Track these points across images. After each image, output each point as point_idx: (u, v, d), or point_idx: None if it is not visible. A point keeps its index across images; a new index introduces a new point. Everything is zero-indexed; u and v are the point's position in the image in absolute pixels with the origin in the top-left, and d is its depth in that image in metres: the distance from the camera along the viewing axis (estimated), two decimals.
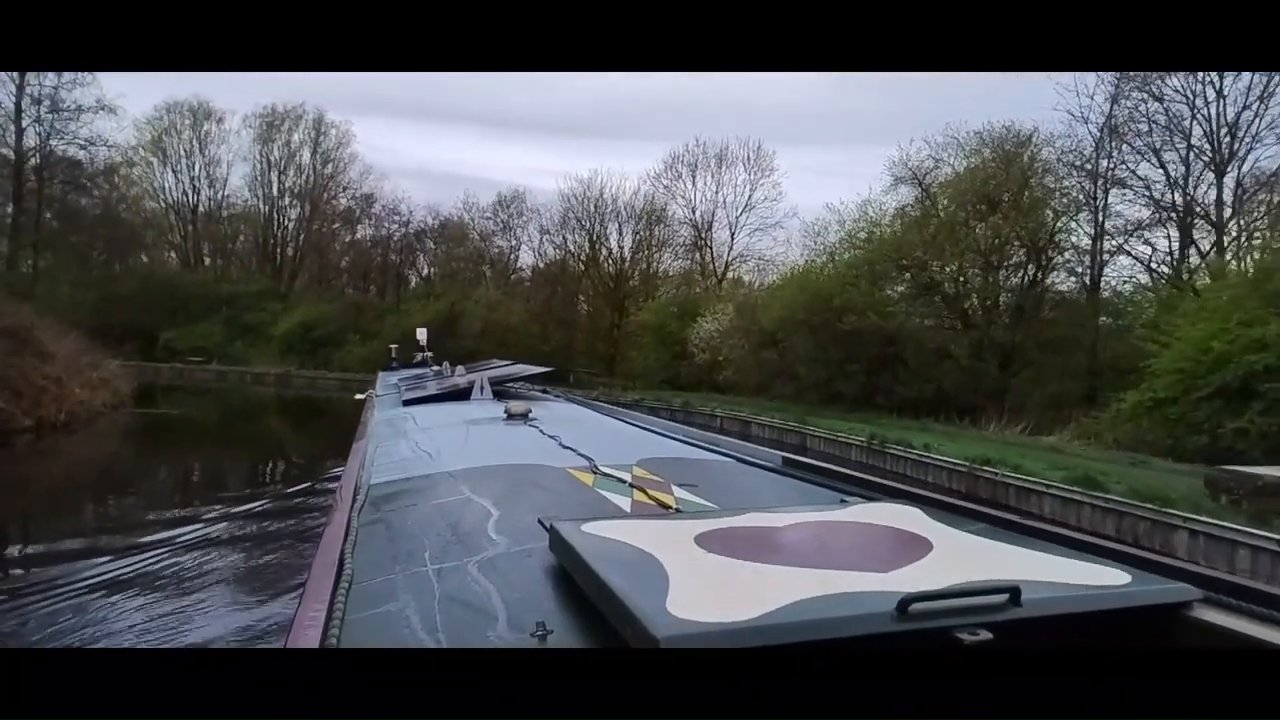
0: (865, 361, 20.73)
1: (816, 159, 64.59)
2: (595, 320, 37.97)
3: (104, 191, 37.57)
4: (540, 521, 2.14)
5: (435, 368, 11.01)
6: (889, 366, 20.94)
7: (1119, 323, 22.73)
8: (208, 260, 47.19)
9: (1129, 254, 22.48)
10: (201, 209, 46.56)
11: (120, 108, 33.69)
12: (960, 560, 1.75)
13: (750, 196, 37.41)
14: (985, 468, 11.39)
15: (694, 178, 38.02)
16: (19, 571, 7.78)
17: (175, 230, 46.92)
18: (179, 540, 8.36)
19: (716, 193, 37.85)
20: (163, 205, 46.11)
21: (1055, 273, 22.80)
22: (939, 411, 19.73)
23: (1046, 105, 32.93)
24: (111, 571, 7.19)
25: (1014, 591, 1.46)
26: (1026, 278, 22.49)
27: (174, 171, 45.55)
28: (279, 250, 46.40)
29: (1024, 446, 15.08)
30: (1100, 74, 21.12)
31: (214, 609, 6.43)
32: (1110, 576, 1.66)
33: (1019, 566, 1.68)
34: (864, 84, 50.20)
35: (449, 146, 68.05)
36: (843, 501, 2.53)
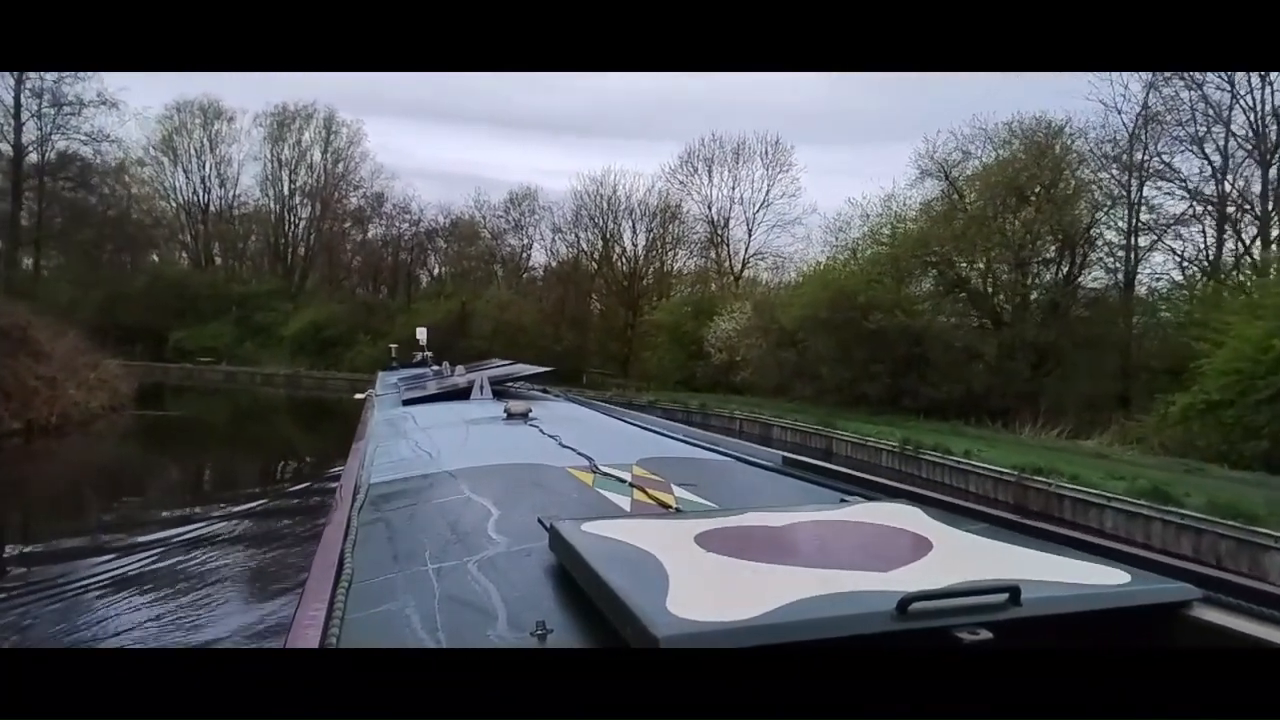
0: (891, 362, 19.85)
1: (819, 158, 63.82)
2: (609, 320, 37.18)
3: (111, 189, 37.06)
4: (540, 521, 2.12)
5: (435, 367, 10.75)
6: (915, 367, 20.06)
7: (1154, 320, 21.77)
8: (218, 260, 46.81)
9: (1171, 250, 21.45)
10: (212, 208, 46.27)
11: (122, 102, 33.02)
12: (960, 560, 1.74)
13: (768, 192, 36.58)
14: (1036, 477, 10.48)
15: (710, 173, 37.23)
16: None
17: (186, 230, 46.61)
18: (159, 547, 7.96)
19: (733, 189, 37.04)
20: (173, 205, 45.87)
21: (1089, 269, 21.81)
22: (968, 414, 18.86)
23: (1051, 102, 31.65)
24: (88, 578, 6.93)
25: (1014, 591, 1.45)
26: (1060, 273, 21.51)
27: (184, 171, 45.29)
28: (290, 250, 45.98)
29: (1065, 452, 14.21)
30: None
31: (187, 623, 6.11)
32: (1110, 576, 1.66)
33: (1019, 566, 1.67)
34: (865, 83, 49.54)
35: (458, 146, 68.08)
36: (843, 501, 2.52)
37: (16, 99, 30.33)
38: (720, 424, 20.46)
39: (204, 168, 45.36)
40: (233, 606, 6.47)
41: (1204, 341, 14.31)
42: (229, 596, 6.73)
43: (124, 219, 37.96)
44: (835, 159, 62.40)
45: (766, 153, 36.48)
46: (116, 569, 7.20)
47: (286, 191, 45.52)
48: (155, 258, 44.74)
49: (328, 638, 1.45)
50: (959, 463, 12.37)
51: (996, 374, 20.17)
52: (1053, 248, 21.53)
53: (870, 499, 2.58)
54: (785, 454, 3.69)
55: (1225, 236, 21.08)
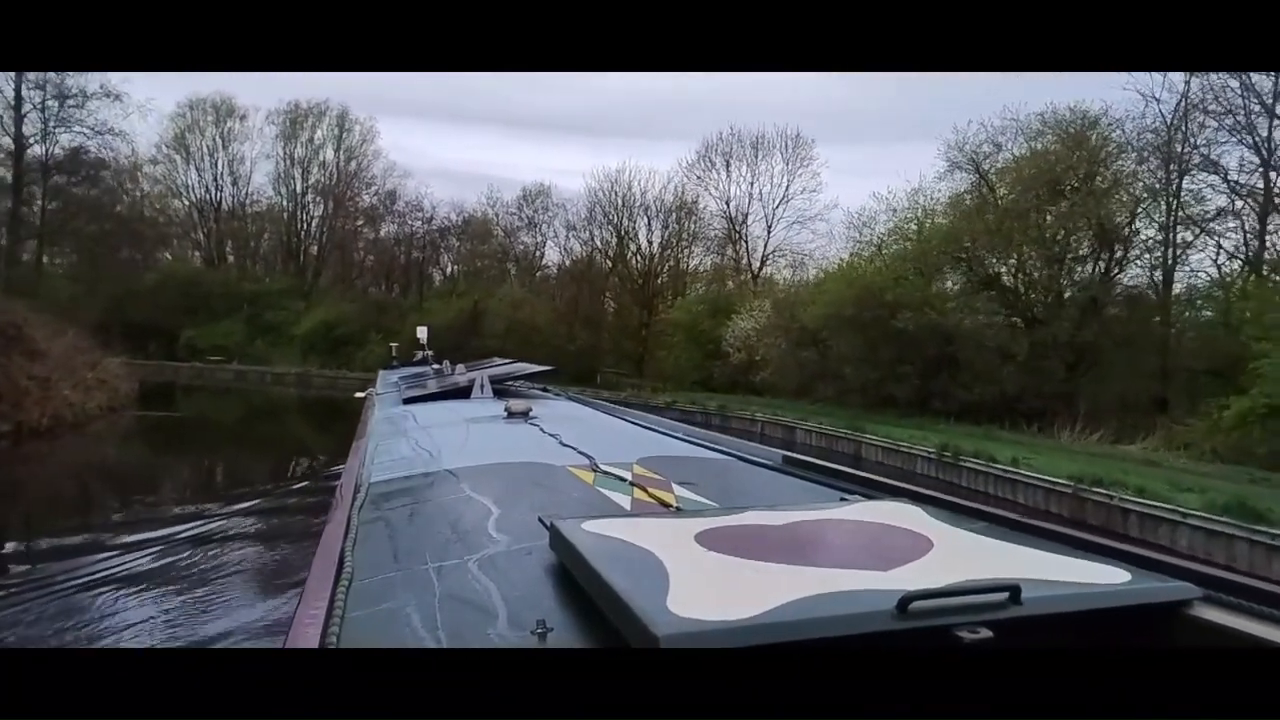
0: (920, 362, 18.95)
1: (826, 156, 62.73)
2: (623, 318, 36.42)
3: (119, 183, 36.46)
4: (540, 520, 2.10)
5: (435, 366, 10.45)
6: (945, 368, 19.15)
7: (1197, 317, 20.73)
8: (230, 258, 46.47)
9: (1218, 245, 20.36)
10: (224, 206, 45.92)
11: (125, 94, 32.01)
12: (960, 559, 1.73)
13: (788, 188, 35.65)
14: (1096, 489, 9.56)
15: (728, 168, 36.36)
16: None
17: (198, 228, 46.33)
18: (138, 552, 7.53)
19: (752, 184, 36.15)
20: (185, 203, 45.55)
21: (1128, 265, 20.77)
22: (1001, 417, 17.97)
23: (1070, 95, 29.75)
24: (55, 584, 6.65)
25: (1014, 590, 1.44)
26: (1098, 270, 20.51)
27: (197, 169, 44.98)
28: (302, 248, 45.59)
29: (1111, 458, 13.31)
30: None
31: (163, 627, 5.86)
32: (1110, 575, 1.64)
33: (1019, 565, 1.67)
34: (866, 83, 48.74)
35: (466, 146, 67.63)
36: (843, 500, 2.51)
37: (17, 91, 29.74)
38: (741, 427, 19.67)
39: (216, 165, 45.10)
40: (209, 617, 6.14)
41: (1265, 341, 13.36)
42: (208, 606, 6.37)
43: (134, 215, 37.48)
44: (842, 158, 62.00)
45: (786, 147, 35.64)
46: (89, 576, 6.86)
47: (299, 189, 45.17)
48: (168, 256, 44.44)
49: (328, 637, 1.44)
50: (1005, 471, 11.42)
51: (1030, 375, 19.24)
52: (1086, 243, 20.59)
53: (870, 498, 2.57)
54: (785, 453, 3.65)
55: (1269, 230, 20.05)
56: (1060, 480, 10.32)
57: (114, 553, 7.58)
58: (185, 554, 7.62)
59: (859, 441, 15.69)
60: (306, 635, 1.43)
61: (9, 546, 8.65)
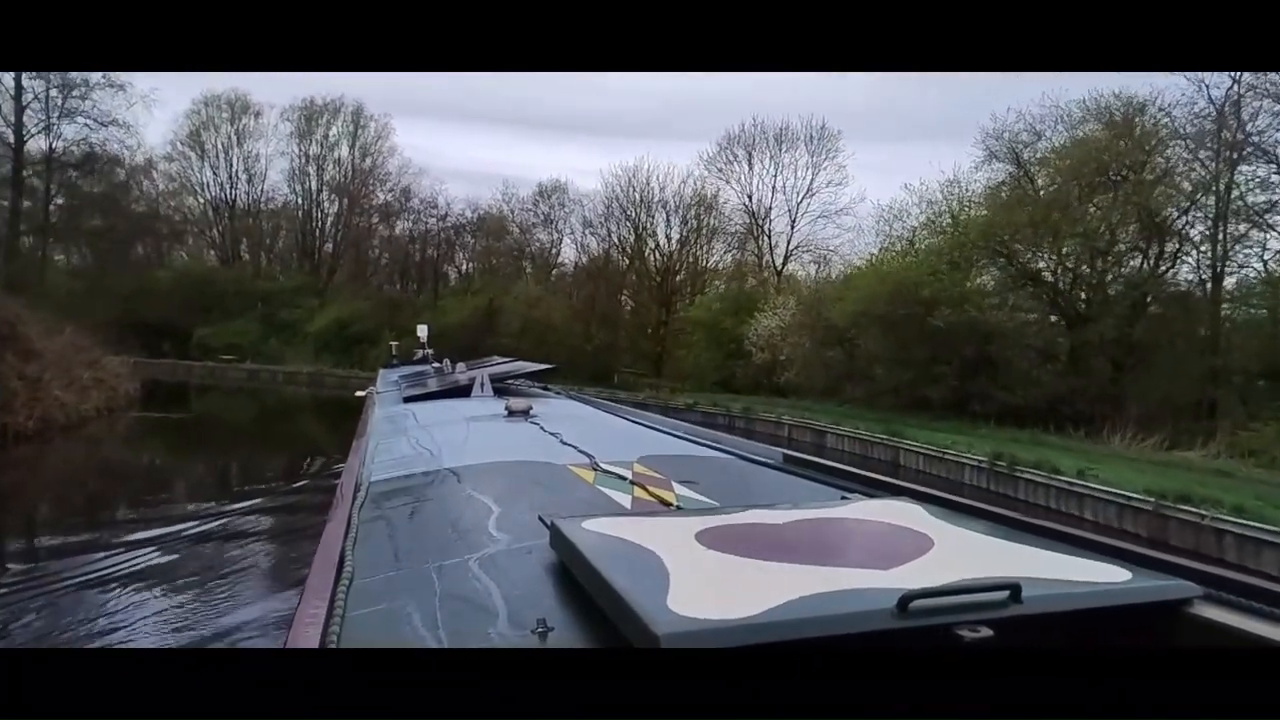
0: (957, 362, 17.86)
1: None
2: (641, 317, 35.51)
3: (128, 175, 35.96)
4: (541, 518, 2.11)
5: (435, 364, 10.12)
6: (984, 368, 18.05)
7: (1257, 314, 19.47)
8: (245, 256, 46.11)
9: (1272, 236, 19.07)
10: (239, 204, 45.57)
11: (129, 84, 31.44)
12: (961, 557, 1.72)
13: (812, 181, 34.53)
14: (1182, 506, 8.49)
15: (750, 161, 35.28)
16: None
17: (214, 226, 46.02)
18: (125, 566, 7.13)
19: (775, 176, 35.05)
20: (200, 201, 45.27)
21: (1182, 260, 19.50)
22: (1045, 420, 16.87)
23: (1084, 91, 27.31)
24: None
25: (1015, 589, 1.43)
26: (1147, 264, 19.30)
27: (211, 167, 44.62)
28: (317, 246, 45.13)
29: (1174, 466, 12.22)
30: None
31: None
32: (1111, 574, 1.63)
33: (1020, 564, 1.66)
34: (870, 82, 47.57)
35: (479, 144, 67.49)
36: (844, 498, 2.53)
37: (17, 82, 29.13)
38: (766, 430, 18.69)
39: (231, 163, 44.73)
40: (208, 618, 6.04)
41: None
42: (206, 608, 6.26)
43: (149, 213, 37.01)
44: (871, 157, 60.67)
45: (811, 139, 34.53)
46: (83, 577, 6.75)
47: (314, 187, 44.75)
48: (183, 254, 44.11)
49: (328, 636, 1.44)
50: (1071, 484, 10.32)
51: (1076, 376, 18.11)
52: (1128, 236, 19.40)
53: (871, 496, 2.56)
54: (786, 451, 3.65)
55: None
56: (1135, 495, 9.23)
57: (112, 552, 7.43)
58: (182, 556, 7.51)
59: (897, 448, 14.66)
60: (307, 635, 1.43)
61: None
